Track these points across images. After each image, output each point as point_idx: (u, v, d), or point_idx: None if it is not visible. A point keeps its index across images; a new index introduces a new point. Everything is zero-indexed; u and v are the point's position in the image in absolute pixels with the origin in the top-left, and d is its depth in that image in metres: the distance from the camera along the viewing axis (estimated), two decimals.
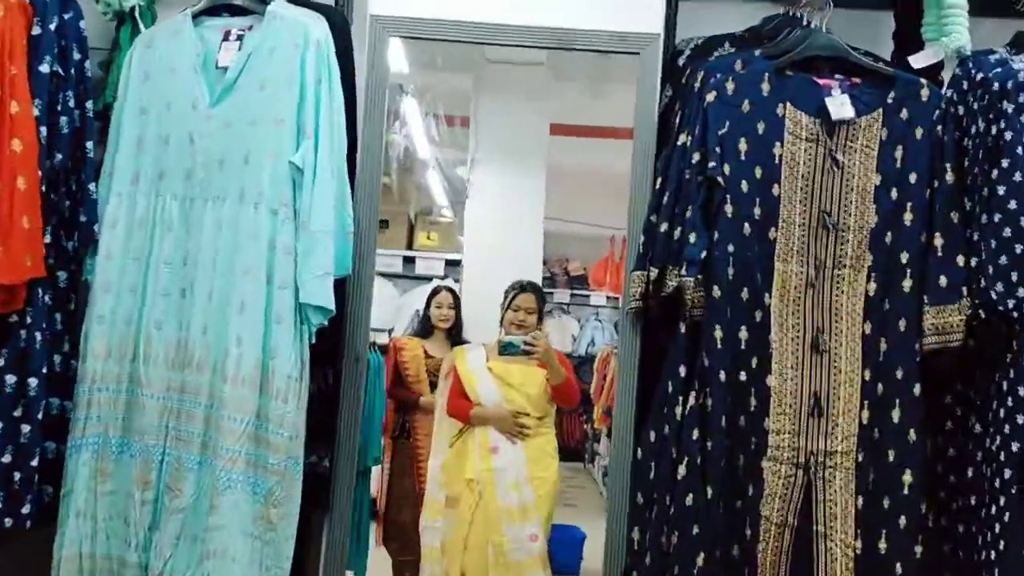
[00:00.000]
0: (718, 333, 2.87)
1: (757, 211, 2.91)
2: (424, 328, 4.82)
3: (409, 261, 7.43)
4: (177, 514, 2.77)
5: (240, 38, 2.90)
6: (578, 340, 9.94)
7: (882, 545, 2.81)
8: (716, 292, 2.87)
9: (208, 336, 2.79)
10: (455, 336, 4.65)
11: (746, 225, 2.91)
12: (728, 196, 2.90)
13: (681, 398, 2.88)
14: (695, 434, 2.84)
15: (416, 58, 6.34)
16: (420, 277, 7.43)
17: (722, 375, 2.86)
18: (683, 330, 2.92)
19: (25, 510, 2.77)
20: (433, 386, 4.44)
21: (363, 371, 3.02)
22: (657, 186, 3.01)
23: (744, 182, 2.91)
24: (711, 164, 2.90)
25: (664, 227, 2.94)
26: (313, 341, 2.90)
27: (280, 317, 2.75)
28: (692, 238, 2.88)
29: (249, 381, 2.73)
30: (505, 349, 3.62)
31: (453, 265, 7.29)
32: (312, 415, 2.93)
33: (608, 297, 9.49)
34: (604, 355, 8.54)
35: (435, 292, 4.84)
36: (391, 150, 5.99)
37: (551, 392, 3.66)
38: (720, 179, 2.89)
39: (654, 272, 2.93)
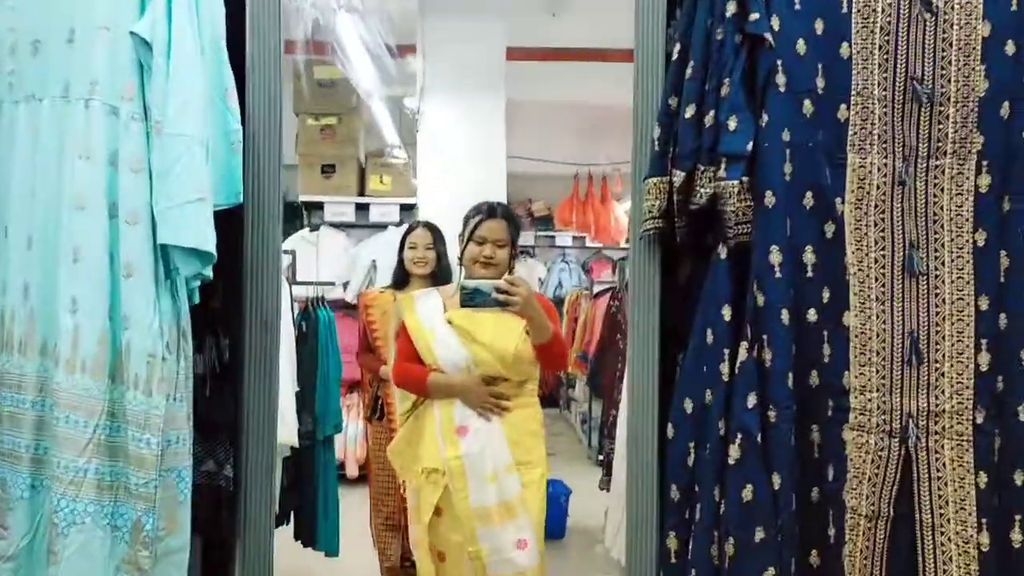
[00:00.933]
0: (775, 257, 1.89)
1: (820, 82, 1.92)
2: (399, 277, 3.53)
3: (362, 208, 6.42)
4: (6, 563, 1.76)
5: None
6: (545, 283, 8.98)
7: (1017, 537, 1.89)
8: (769, 199, 1.89)
9: (31, 301, 1.77)
10: (439, 285, 3.34)
11: (806, 102, 1.92)
12: (780, 62, 1.90)
13: (727, 351, 1.91)
14: (750, 400, 1.87)
15: None
16: (374, 225, 6.42)
17: (784, 315, 1.89)
18: (724, 256, 1.93)
19: None
20: None
21: (274, 341, 2.01)
22: (674, 56, 2.00)
23: (800, 41, 1.92)
24: (753, 16, 1.89)
25: (690, 112, 1.94)
26: (196, 300, 1.89)
27: (132, 267, 1.73)
28: (732, 123, 1.89)
29: (92, 364, 1.72)
30: (470, 298, 2.31)
31: (408, 210, 6.26)
32: (204, 405, 1.93)
33: (574, 237, 8.52)
34: (573, 297, 7.60)
35: (409, 229, 3.55)
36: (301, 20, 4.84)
37: (535, 352, 2.47)
38: (767, 37, 1.89)
39: (679, 176, 1.93)
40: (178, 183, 1.71)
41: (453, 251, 3.52)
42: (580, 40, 5.94)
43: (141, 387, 1.72)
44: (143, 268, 1.72)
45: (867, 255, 1.92)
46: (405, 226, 3.71)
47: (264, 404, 2.00)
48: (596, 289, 6.70)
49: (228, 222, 1.95)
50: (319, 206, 6.47)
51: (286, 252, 5.14)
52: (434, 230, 3.51)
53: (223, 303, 1.96)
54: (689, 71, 1.94)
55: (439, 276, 3.42)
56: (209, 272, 1.82)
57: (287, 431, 3.58)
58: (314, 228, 6.52)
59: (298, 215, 7.04)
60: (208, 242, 1.74)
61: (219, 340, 1.97)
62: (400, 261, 3.52)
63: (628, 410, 2.06)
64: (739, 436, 1.86)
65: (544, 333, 2.41)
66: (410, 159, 6.72)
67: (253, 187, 1.98)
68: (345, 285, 6.28)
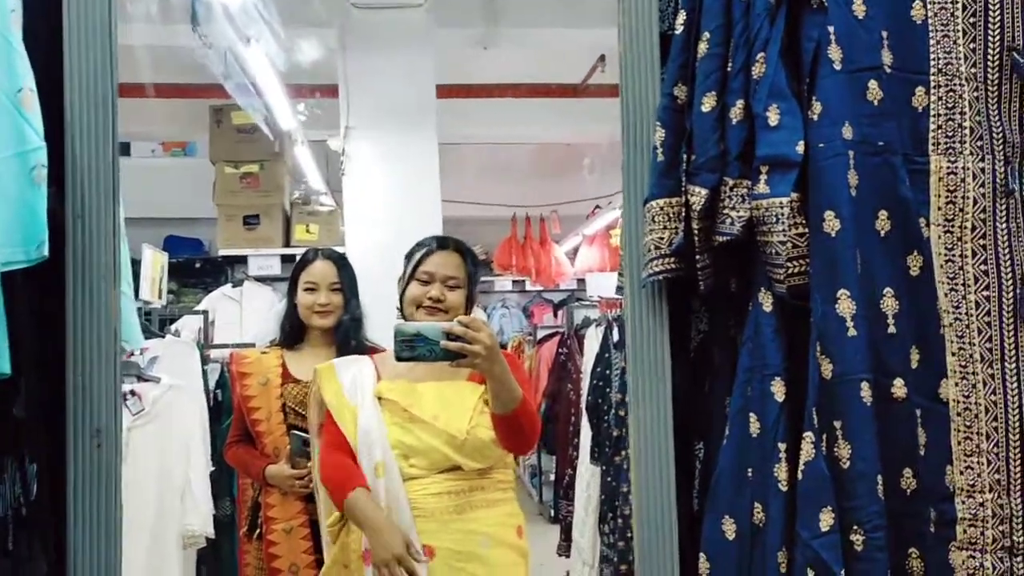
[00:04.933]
0: (845, 306, 1.22)
1: (887, 56, 1.29)
2: (290, 330, 2.26)
3: (288, 260, 5.69)
4: None
5: None
6: None
7: None
8: (831, 223, 1.23)
9: None
10: (348, 342, 2.19)
11: (871, 84, 1.27)
12: (831, 29, 1.26)
13: (783, 447, 1.23)
14: (824, 520, 1.19)
15: (266, 11, 4.52)
16: None
17: (864, 391, 1.22)
18: (768, 307, 1.26)
19: None
20: (298, 432, 2.10)
21: (112, 458, 1.25)
22: (678, 31, 1.33)
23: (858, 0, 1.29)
24: None
25: (708, 103, 1.27)
26: None
27: None
28: (773, 116, 1.23)
29: None
30: (409, 347, 1.54)
31: None
32: (6, 567, 1.18)
33: (514, 281, 7.83)
34: (516, 344, 6.92)
35: (304, 263, 2.27)
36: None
37: (495, 427, 1.67)
38: None
39: (699, 195, 1.26)
40: None
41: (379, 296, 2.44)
42: (513, 76, 5.34)
43: None
44: None
45: (965, 297, 1.27)
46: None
47: (102, 556, 1.24)
48: (540, 334, 6.06)
49: (32, 287, 1.22)
50: (242, 260, 5.76)
51: (198, 312, 4.38)
52: (341, 263, 2.30)
53: (29, 409, 1.22)
54: (703, 47, 1.27)
55: (345, 332, 2.22)
56: None
57: (200, 519, 2.80)
58: (237, 284, 5.78)
59: (221, 271, 6.30)
60: None
61: (24, 465, 1.23)
62: (291, 307, 2.27)
63: (636, 531, 1.37)
64: (811, 574, 1.18)
65: (509, 400, 1.61)
66: (338, 206, 6.05)
67: (75, 235, 1.26)
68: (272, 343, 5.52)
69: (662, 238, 1.29)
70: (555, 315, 7.20)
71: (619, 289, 1.44)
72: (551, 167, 6.73)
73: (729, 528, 1.25)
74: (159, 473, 2.70)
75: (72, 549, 1.24)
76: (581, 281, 6.90)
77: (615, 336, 3.27)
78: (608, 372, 3.37)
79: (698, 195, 1.26)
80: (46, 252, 1.16)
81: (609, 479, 3.22)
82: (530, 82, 5.35)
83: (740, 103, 1.25)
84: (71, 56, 1.26)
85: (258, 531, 2.16)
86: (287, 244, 5.68)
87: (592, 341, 3.80)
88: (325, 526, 1.86)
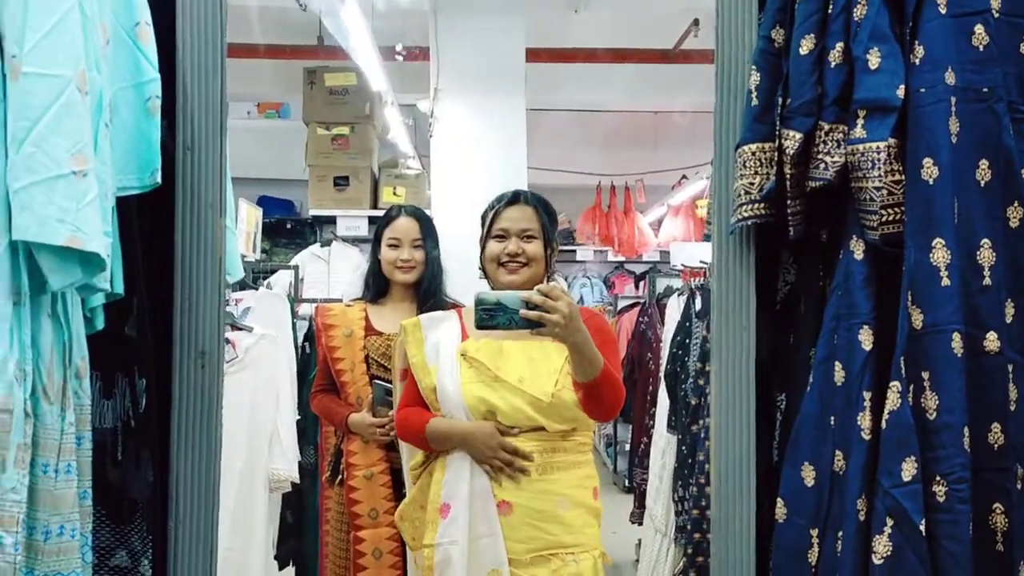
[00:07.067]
0: (940, 256, 1.21)
1: (995, 0, 1.26)
2: (374, 285, 2.32)
3: (375, 222, 5.77)
4: None
5: None
6: None
7: None
8: (929, 170, 1.21)
9: None
10: (429, 297, 2.27)
11: (978, 28, 1.24)
12: None
13: (868, 395, 1.22)
14: (907, 469, 1.19)
15: None
16: None
17: (955, 342, 1.20)
18: (860, 256, 1.25)
19: None
20: (380, 382, 2.18)
21: (214, 379, 1.34)
22: None
23: None
24: None
25: (807, 45, 1.26)
26: (99, 326, 1.24)
27: None
28: (874, 59, 1.21)
29: None
30: (490, 317, 1.56)
31: None
32: (114, 474, 1.28)
33: (596, 251, 7.81)
34: (598, 311, 6.91)
35: (388, 219, 2.32)
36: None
37: (576, 392, 1.65)
38: None
39: (793, 139, 1.26)
40: (43, 148, 1.05)
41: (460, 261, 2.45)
42: (604, 40, 5.29)
43: None
44: None
45: None
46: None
47: (202, 471, 1.33)
48: (620, 304, 6.05)
49: (143, 214, 1.31)
50: (331, 220, 5.90)
51: (290, 267, 4.53)
52: (424, 221, 2.33)
53: (140, 329, 1.31)
54: None
55: (428, 288, 2.29)
56: (106, 283, 1.16)
57: (287, 465, 2.93)
58: (325, 243, 5.95)
59: (311, 231, 6.48)
60: (91, 238, 1.07)
61: (134, 381, 1.32)
62: (376, 263, 2.32)
63: (713, 475, 1.39)
64: (890, 523, 1.18)
65: (590, 368, 1.58)
66: (424, 170, 6.12)
67: (184, 166, 1.33)
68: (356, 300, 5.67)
69: (753, 183, 1.29)
70: (636, 286, 7.15)
71: (707, 237, 1.44)
72: (639, 135, 6.66)
73: (808, 475, 1.26)
74: (249, 419, 2.81)
75: (175, 461, 1.33)
76: (664, 253, 6.83)
77: (697, 305, 3.25)
78: (688, 341, 3.36)
79: (792, 139, 1.25)
80: (159, 179, 1.24)
81: (684, 448, 3.22)
82: (621, 47, 5.29)
83: (839, 45, 1.24)
84: None
85: (340, 477, 2.23)
86: (374, 206, 5.80)
87: (673, 310, 3.78)
88: (408, 468, 1.91)
